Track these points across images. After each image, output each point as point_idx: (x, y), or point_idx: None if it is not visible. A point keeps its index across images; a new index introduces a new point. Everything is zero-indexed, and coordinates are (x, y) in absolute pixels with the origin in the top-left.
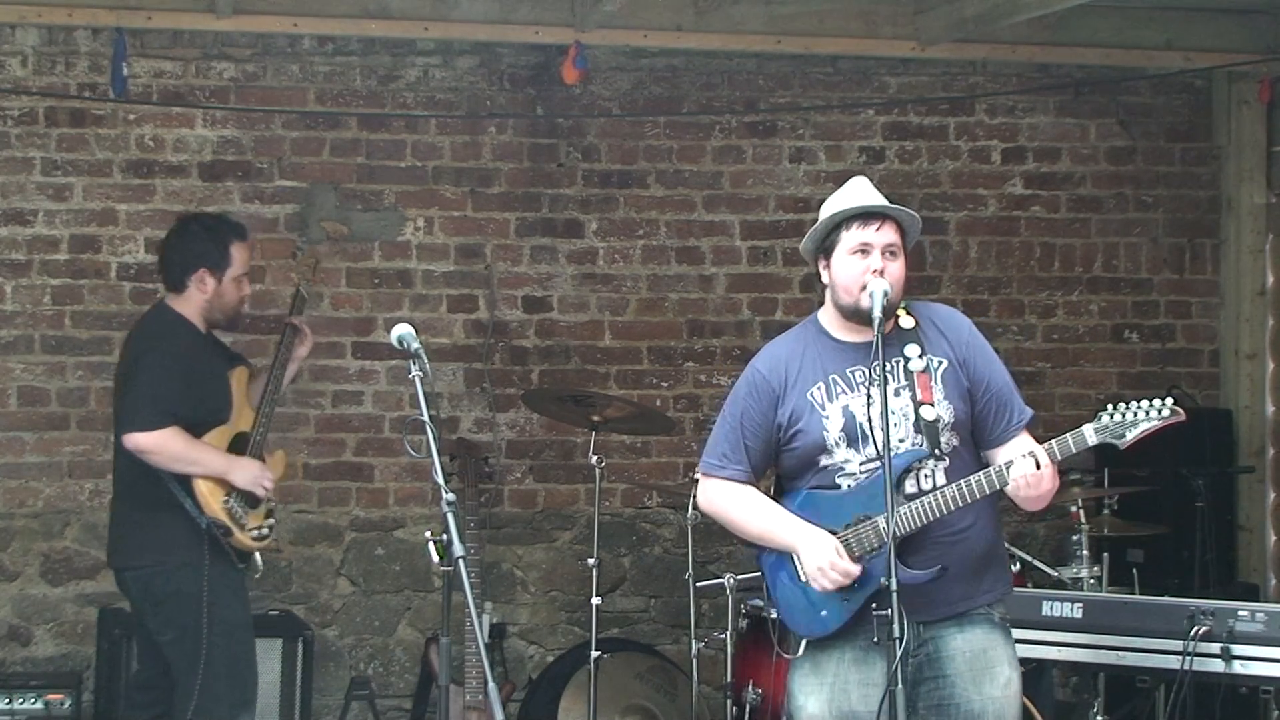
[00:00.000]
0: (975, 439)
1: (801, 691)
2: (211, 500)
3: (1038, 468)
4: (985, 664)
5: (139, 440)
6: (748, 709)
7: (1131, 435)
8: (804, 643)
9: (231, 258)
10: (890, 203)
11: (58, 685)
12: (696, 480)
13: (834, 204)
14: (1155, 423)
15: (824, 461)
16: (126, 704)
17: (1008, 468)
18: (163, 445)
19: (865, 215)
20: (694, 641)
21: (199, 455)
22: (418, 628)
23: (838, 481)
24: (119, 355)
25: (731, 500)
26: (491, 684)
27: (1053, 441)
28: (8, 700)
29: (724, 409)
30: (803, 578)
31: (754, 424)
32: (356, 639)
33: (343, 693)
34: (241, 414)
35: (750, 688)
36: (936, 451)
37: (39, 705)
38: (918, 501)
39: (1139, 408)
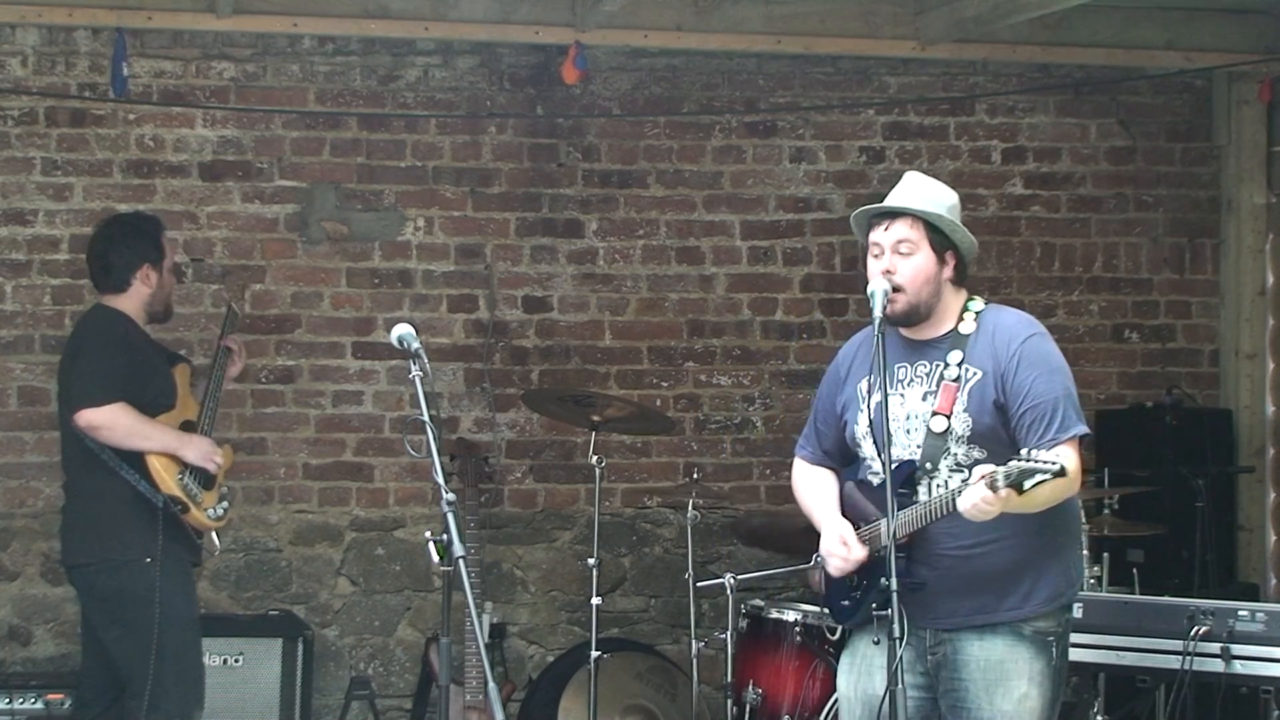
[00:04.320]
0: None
1: (840, 670)
2: (166, 476)
3: (993, 492)
4: (999, 675)
5: (90, 416)
6: (748, 709)
7: (1029, 484)
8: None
9: (165, 249)
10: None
11: (58, 685)
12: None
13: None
14: (1047, 476)
15: (860, 454)
16: (74, 703)
17: (958, 492)
18: (114, 419)
19: (878, 216)
20: (694, 641)
21: (151, 430)
22: (418, 628)
23: (868, 477)
24: (61, 355)
25: (798, 479)
26: (491, 684)
27: (998, 469)
28: (8, 700)
29: None
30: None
31: (823, 408)
32: (356, 639)
33: (343, 693)
34: (186, 404)
35: (750, 688)
36: (931, 463)
37: (39, 705)
38: (910, 508)
39: (1041, 460)
